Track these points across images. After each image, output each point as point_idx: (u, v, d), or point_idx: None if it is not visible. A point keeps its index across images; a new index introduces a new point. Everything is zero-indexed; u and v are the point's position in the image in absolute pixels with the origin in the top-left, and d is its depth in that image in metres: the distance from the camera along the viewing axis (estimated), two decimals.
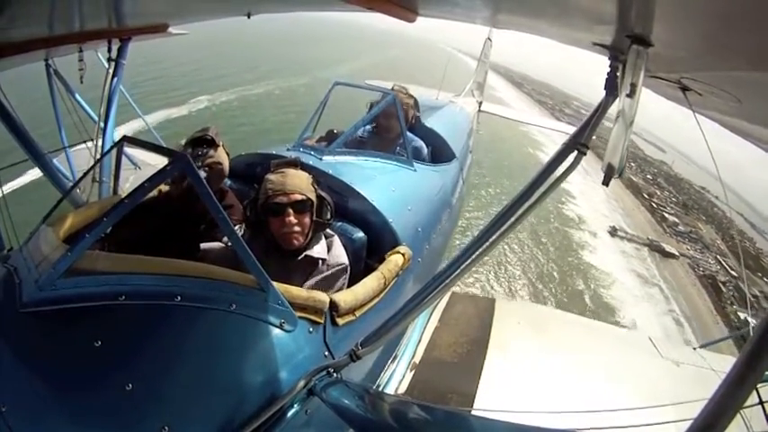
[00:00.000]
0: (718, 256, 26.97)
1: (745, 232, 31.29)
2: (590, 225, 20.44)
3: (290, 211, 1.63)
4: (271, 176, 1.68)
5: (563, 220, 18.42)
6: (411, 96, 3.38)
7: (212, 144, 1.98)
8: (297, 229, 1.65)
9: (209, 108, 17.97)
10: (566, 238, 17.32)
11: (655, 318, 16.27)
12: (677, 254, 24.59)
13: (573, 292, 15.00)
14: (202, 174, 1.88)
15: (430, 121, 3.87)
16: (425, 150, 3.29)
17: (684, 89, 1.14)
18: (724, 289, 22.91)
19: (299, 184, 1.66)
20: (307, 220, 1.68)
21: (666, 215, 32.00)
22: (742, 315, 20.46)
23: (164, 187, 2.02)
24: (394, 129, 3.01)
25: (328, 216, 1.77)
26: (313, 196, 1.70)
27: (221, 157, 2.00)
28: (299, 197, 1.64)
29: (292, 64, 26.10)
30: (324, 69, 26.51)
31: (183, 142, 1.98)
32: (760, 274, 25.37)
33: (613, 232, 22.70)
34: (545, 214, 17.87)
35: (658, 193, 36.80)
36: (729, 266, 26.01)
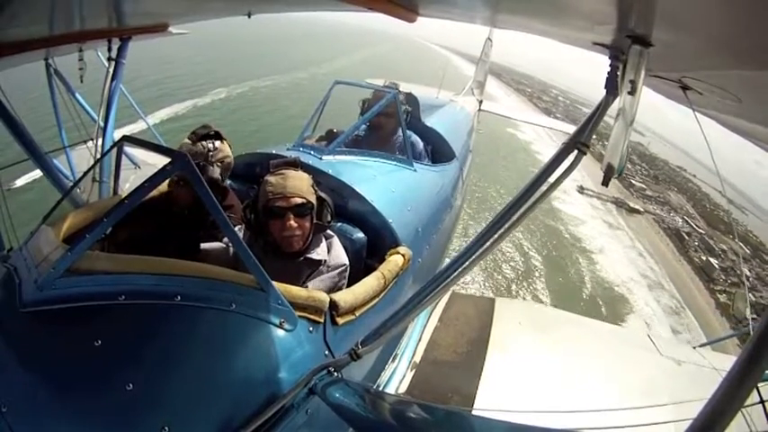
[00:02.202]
0: (685, 217, 27.93)
1: (721, 203, 31.82)
2: (561, 187, 23.46)
3: (291, 215, 1.62)
4: (270, 178, 1.66)
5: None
6: (403, 94, 3.39)
7: (219, 137, 2.00)
8: (297, 232, 1.64)
9: (228, 98, 20.06)
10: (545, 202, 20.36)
11: (621, 250, 19.18)
12: (642, 210, 26.30)
13: (550, 228, 17.88)
14: (216, 169, 1.92)
15: (430, 121, 3.87)
16: (422, 147, 3.29)
17: (685, 88, 1.14)
18: (687, 238, 24.66)
19: (299, 186, 1.65)
20: (307, 223, 1.67)
21: (634, 182, 32.70)
22: (704, 257, 22.30)
23: (163, 188, 2.03)
24: (389, 127, 3.01)
25: (328, 218, 1.76)
26: (313, 199, 1.68)
27: (228, 150, 2.03)
28: (299, 201, 1.63)
29: (290, 61, 27.92)
30: (319, 65, 28.64)
31: (188, 139, 1.98)
32: (731, 236, 26.59)
33: (581, 190, 25.24)
34: (522, 173, 20.99)
35: (629, 166, 37.12)
36: (696, 226, 27.02)
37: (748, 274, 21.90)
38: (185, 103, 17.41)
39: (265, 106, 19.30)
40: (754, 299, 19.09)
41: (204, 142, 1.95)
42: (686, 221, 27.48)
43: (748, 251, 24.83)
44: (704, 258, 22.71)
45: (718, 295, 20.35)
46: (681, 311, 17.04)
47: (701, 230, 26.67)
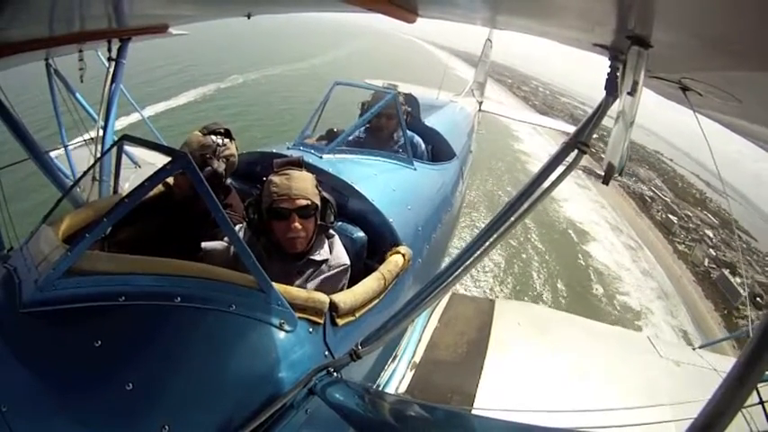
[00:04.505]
0: (653, 188, 29.05)
1: (702, 189, 32.74)
2: (534, 156, 26.83)
3: (295, 216, 1.61)
4: (275, 178, 1.65)
5: (514, 151, 25.49)
6: (403, 95, 3.41)
7: (228, 135, 2.03)
8: (301, 234, 1.63)
9: (245, 83, 22.66)
10: (517, 159, 24.27)
11: (589, 203, 22.33)
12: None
13: (524, 182, 20.62)
14: (221, 164, 1.96)
15: (430, 120, 3.88)
16: (423, 147, 3.30)
17: (685, 89, 1.15)
18: (650, 201, 26.75)
19: (304, 188, 1.64)
20: (311, 225, 1.66)
21: (603, 156, 33.42)
22: (665, 215, 25.09)
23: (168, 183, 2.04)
24: (389, 127, 3.01)
25: (331, 219, 1.75)
26: (317, 200, 1.67)
27: (234, 149, 2.06)
28: (304, 202, 1.62)
29: (289, 54, 30.44)
30: (315, 57, 31.64)
31: (198, 132, 2.01)
32: (703, 211, 28.39)
33: None
34: (502, 147, 24.05)
35: (600, 146, 37.42)
36: (662, 195, 28.42)
37: (711, 235, 24.24)
38: (209, 86, 20.39)
39: (289, 90, 22.24)
40: (714, 254, 21.94)
41: (214, 136, 1.99)
42: (652, 191, 28.71)
43: (716, 221, 26.71)
44: (665, 216, 24.85)
45: (677, 245, 22.39)
46: (639, 249, 20.45)
47: (666, 198, 28.13)
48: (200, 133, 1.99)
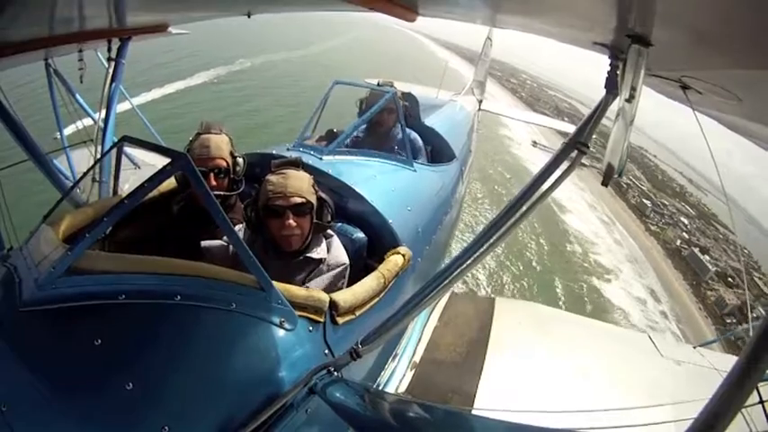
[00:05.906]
0: (631, 178, 30.63)
1: (683, 184, 33.94)
2: (516, 140, 29.56)
3: (290, 214, 1.62)
4: (271, 177, 1.67)
5: (499, 137, 27.56)
6: (401, 93, 3.41)
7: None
8: (296, 232, 1.64)
9: (253, 67, 25.10)
10: (501, 143, 26.99)
11: (567, 183, 24.23)
12: (588, 165, 28.55)
13: (510, 163, 24.03)
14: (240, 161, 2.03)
15: (430, 120, 3.88)
16: (421, 143, 3.29)
17: (685, 87, 1.14)
18: (625, 186, 29.05)
19: (299, 186, 1.65)
20: (306, 223, 1.67)
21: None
22: (638, 200, 27.48)
23: (164, 188, 2.03)
24: (389, 122, 3.02)
25: (329, 218, 1.76)
26: (313, 199, 1.69)
27: None
28: (298, 200, 1.63)
29: (287, 42, 32.04)
30: (313, 45, 33.71)
31: (213, 132, 2.02)
32: (680, 202, 30.31)
33: (534, 144, 29.87)
34: (490, 133, 25.32)
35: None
36: (639, 184, 30.27)
37: (687, 222, 26.04)
38: (218, 68, 22.81)
39: (292, 75, 24.44)
40: (687, 237, 23.68)
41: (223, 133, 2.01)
42: (630, 179, 30.10)
43: (694, 213, 28.53)
44: (639, 201, 26.87)
45: (650, 226, 24.34)
46: (612, 224, 23.07)
47: (642, 187, 29.64)
48: (214, 134, 1.98)
